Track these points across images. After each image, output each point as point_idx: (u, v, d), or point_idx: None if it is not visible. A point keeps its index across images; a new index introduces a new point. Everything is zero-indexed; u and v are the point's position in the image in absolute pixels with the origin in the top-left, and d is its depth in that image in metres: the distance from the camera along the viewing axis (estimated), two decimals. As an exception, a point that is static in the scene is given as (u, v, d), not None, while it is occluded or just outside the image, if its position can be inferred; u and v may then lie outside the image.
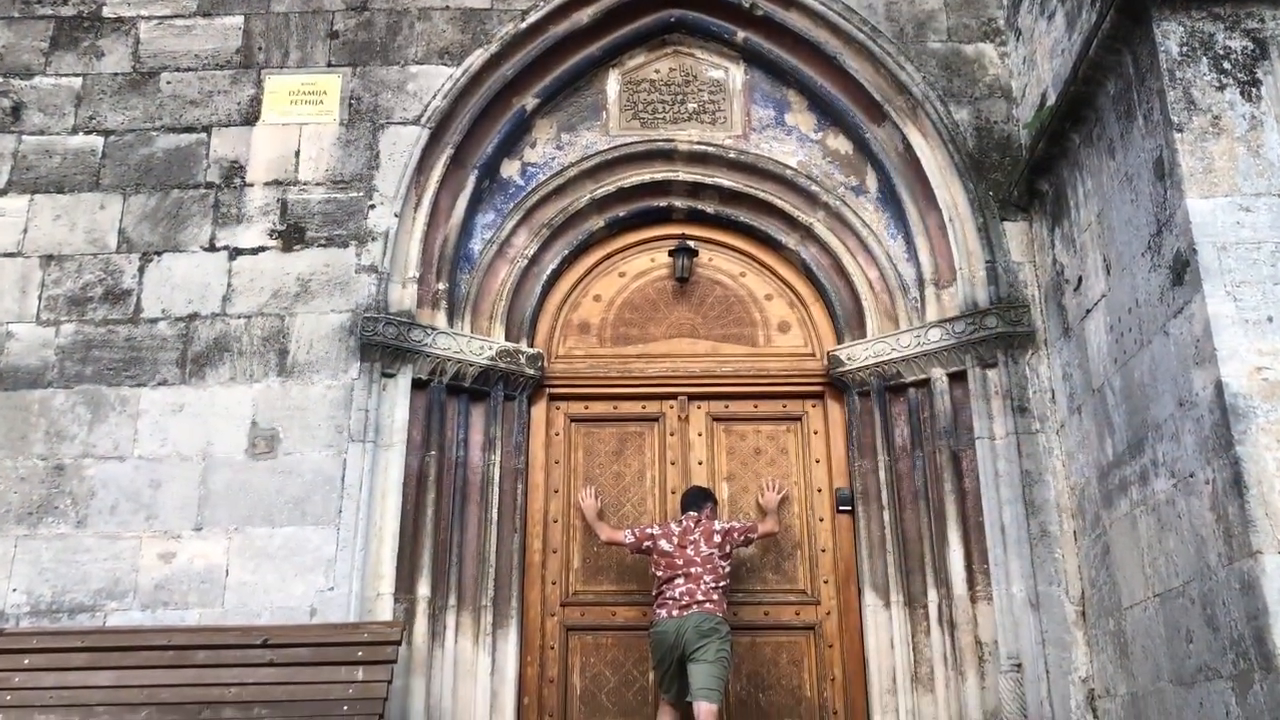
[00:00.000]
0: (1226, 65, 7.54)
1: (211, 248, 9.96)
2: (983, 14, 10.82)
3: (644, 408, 10.51)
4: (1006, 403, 9.44)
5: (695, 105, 11.00)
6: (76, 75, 10.64)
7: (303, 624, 8.72)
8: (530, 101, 10.79)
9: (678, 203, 11.01)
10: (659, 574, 9.01)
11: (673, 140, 10.84)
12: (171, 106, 10.51)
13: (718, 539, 9.03)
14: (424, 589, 9.21)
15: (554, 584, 9.96)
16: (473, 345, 9.93)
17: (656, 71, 11.15)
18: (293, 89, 10.55)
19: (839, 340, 10.51)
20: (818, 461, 10.34)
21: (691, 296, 10.85)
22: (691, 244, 10.81)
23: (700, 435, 10.42)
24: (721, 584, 8.90)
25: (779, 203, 10.77)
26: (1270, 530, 6.40)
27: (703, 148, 10.83)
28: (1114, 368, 8.25)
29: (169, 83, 10.61)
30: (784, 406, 10.54)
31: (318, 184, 10.19)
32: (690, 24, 11.17)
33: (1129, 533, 8.03)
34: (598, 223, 10.91)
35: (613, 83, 11.10)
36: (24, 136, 10.40)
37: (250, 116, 10.47)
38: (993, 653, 9.00)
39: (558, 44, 10.84)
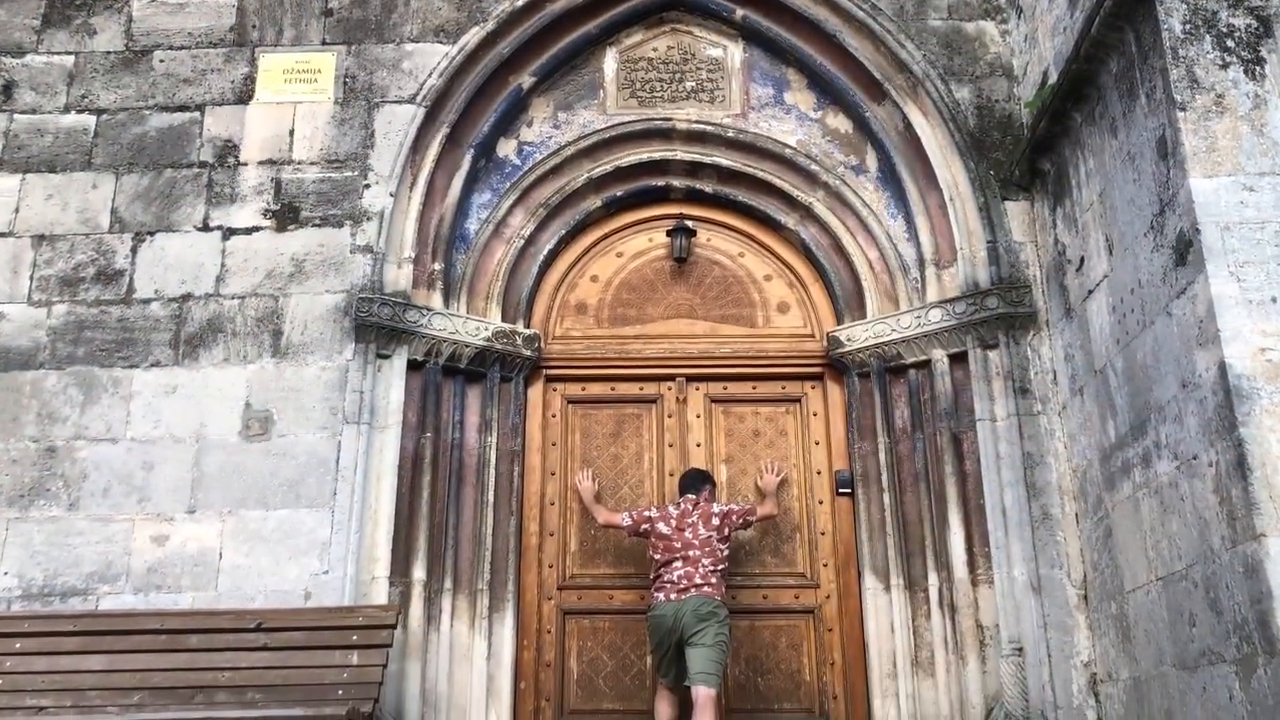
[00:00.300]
0: (1230, 43, 7.49)
1: (205, 227, 9.89)
2: (984, -10, 10.73)
3: (642, 389, 10.47)
4: (1008, 384, 9.39)
5: (693, 84, 10.92)
6: (68, 53, 10.57)
7: (297, 607, 8.66)
8: (527, 80, 10.72)
9: (676, 182, 10.94)
10: (657, 557, 8.96)
11: (671, 119, 10.78)
12: (164, 85, 10.44)
13: (716, 522, 8.98)
14: (419, 572, 9.17)
15: (551, 567, 9.91)
16: (469, 326, 9.87)
17: (654, 50, 11.07)
18: (287, 67, 10.47)
19: (839, 321, 10.46)
20: (817, 443, 10.29)
21: (690, 277, 10.79)
22: (690, 224, 10.77)
23: (698, 417, 10.37)
24: (720, 567, 8.85)
25: (778, 182, 10.70)
26: (1274, 513, 6.35)
27: (701, 127, 10.76)
28: (1116, 349, 8.20)
29: (162, 61, 10.53)
30: (783, 388, 10.49)
31: (312, 163, 10.12)
32: (688, 1, 11.09)
33: (1131, 515, 7.97)
34: (595, 202, 10.85)
35: (610, 61, 11.02)
36: (15, 115, 10.33)
37: (244, 95, 10.40)
38: (994, 636, 8.96)
39: (554, 21, 10.76)
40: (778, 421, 10.40)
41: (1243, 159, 7.19)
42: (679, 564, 8.79)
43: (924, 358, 9.82)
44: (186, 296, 9.64)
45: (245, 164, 10.13)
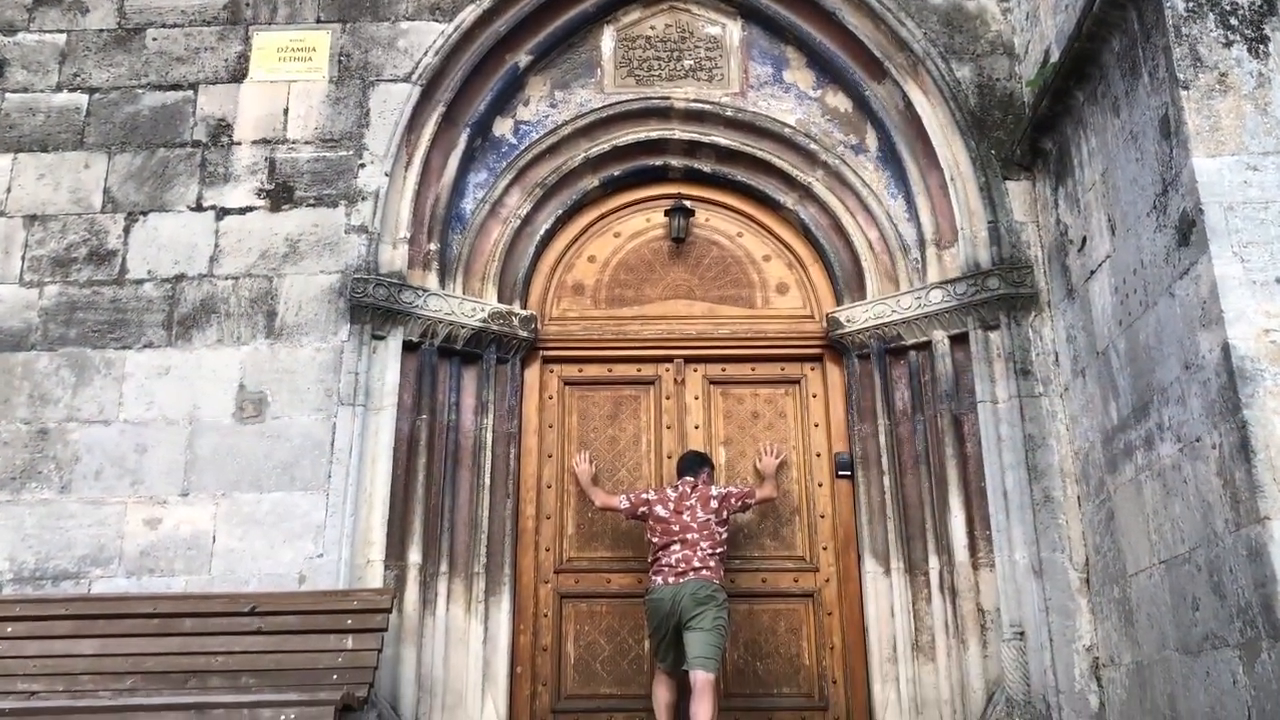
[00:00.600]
0: (1233, 21, 7.44)
1: (198, 207, 9.83)
2: (985, -32, 10.64)
3: (639, 370, 10.41)
4: (1009, 365, 9.33)
5: (692, 62, 10.85)
6: (60, 32, 10.49)
7: (291, 591, 8.61)
8: (523, 59, 10.65)
9: (674, 161, 10.88)
10: (655, 540, 8.91)
11: (669, 98, 10.71)
12: (157, 64, 10.37)
13: (714, 504, 8.93)
14: (415, 556, 9.13)
15: (547, 550, 9.87)
16: (465, 307, 9.82)
17: (652, 28, 11.00)
18: (281, 46, 10.40)
19: (838, 302, 10.39)
20: (816, 425, 10.24)
21: (688, 257, 10.73)
22: (688, 204, 10.71)
23: (697, 399, 10.32)
24: (718, 550, 8.80)
25: (777, 161, 10.64)
26: (1278, 496, 6.31)
27: (699, 105, 10.70)
28: (1119, 330, 8.14)
29: (155, 39, 10.45)
30: (782, 369, 10.43)
31: (306, 142, 10.06)
32: (687, -21, 11.01)
33: (1134, 498, 7.93)
34: (592, 182, 10.79)
35: (607, 39, 10.95)
36: (7, 94, 10.27)
37: (238, 74, 10.33)
38: (995, 620, 8.91)
39: (552, -1, 10.71)
40: (777, 403, 10.35)
41: (1246, 138, 7.15)
42: (677, 547, 8.74)
43: (924, 339, 9.77)
44: (180, 277, 9.58)
45: (239, 143, 10.06)
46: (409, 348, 9.57)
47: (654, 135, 10.77)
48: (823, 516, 9.95)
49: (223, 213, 9.80)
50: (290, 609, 8.29)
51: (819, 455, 10.14)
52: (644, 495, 9.18)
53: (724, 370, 10.41)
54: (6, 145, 10.05)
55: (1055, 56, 9.16)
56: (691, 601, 8.47)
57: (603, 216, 10.90)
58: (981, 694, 8.79)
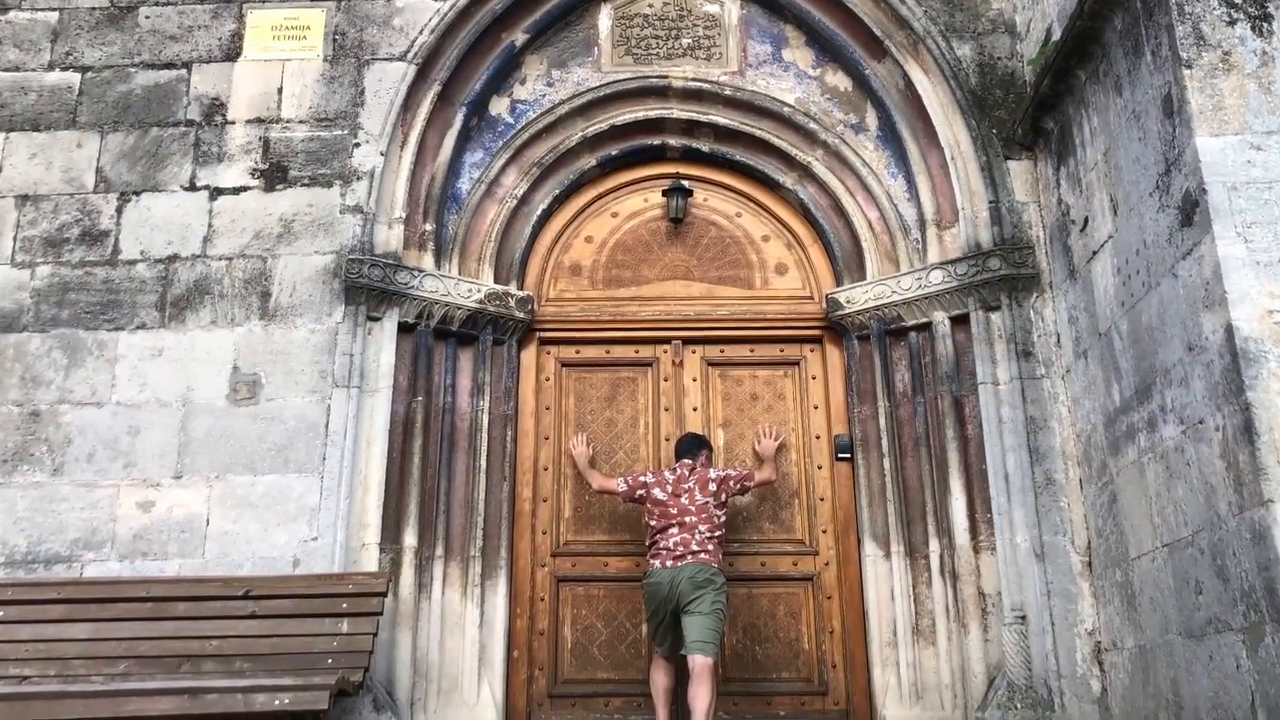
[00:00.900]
0: (1237, -1, 7.36)
1: (192, 187, 9.78)
2: (986, -55, 10.57)
3: (637, 352, 10.35)
4: (1010, 347, 9.29)
5: (690, 40, 10.77)
6: (52, 10, 10.41)
7: (286, 575, 8.59)
8: (520, 37, 10.58)
9: (672, 141, 10.81)
10: (653, 523, 8.86)
11: (667, 76, 10.63)
12: (150, 42, 10.30)
13: (713, 487, 8.88)
14: (410, 539, 9.07)
15: (544, 534, 9.82)
16: (461, 288, 9.76)
17: (650, 6, 10.92)
18: (275, 24, 10.33)
19: (838, 283, 10.34)
20: (816, 407, 10.19)
21: (686, 238, 10.67)
22: (686, 183, 10.62)
23: (695, 380, 10.27)
24: (717, 534, 8.75)
25: (776, 141, 10.58)
26: (1283, 478, 6.27)
27: (698, 84, 10.62)
28: (1121, 311, 8.10)
29: (148, 17, 10.39)
30: (781, 351, 10.37)
31: (301, 122, 10.01)
32: (684, -44, 10.95)
33: (1136, 481, 7.89)
34: (589, 161, 10.72)
35: (605, 17, 10.87)
36: (-1, 73, 10.20)
37: (232, 52, 10.26)
38: (996, 604, 8.87)
39: (548, -24, 10.67)
40: (776, 385, 10.30)
41: (1250, 117, 7.12)
42: (675, 530, 8.69)
43: (925, 320, 9.72)
44: (173, 258, 9.53)
45: (233, 123, 10.01)
46: (404, 329, 9.52)
47: (652, 114, 10.70)
48: (822, 499, 9.90)
49: (216, 193, 9.75)
50: (285, 592, 8.27)
51: (818, 437, 10.09)
52: (642, 478, 9.13)
53: (722, 352, 10.35)
54: (-2, 124, 10.02)
55: (1057, 35, 9.10)
56: (690, 585, 8.42)
57: (600, 196, 10.83)
58: (982, 678, 8.75)
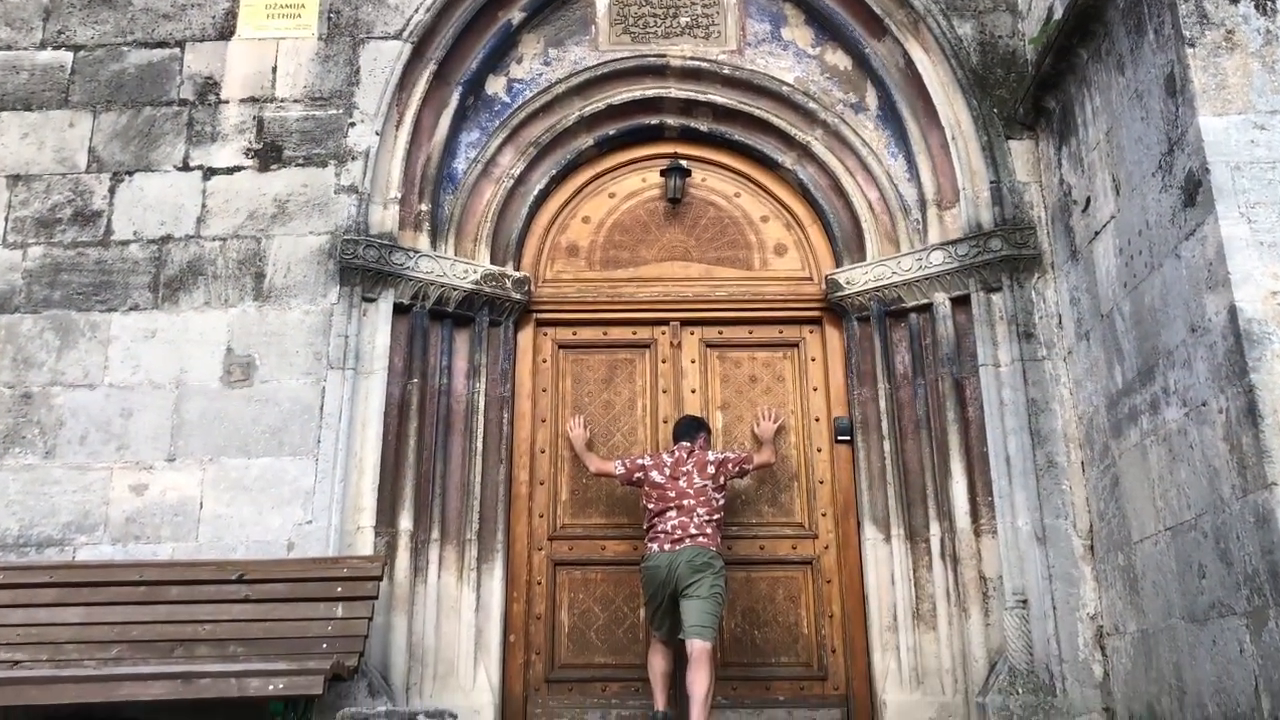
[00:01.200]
0: (1240, -23, 7.36)
1: (185, 167, 9.73)
2: (988, -78, 10.50)
3: (635, 333, 10.30)
4: (1011, 328, 9.25)
5: (688, 19, 10.71)
6: (44, -13, 10.34)
7: (280, 558, 8.55)
8: (516, 15, 10.53)
9: (670, 120, 10.75)
10: (650, 506, 8.83)
11: (665, 55, 10.57)
12: (143, 20, 10.24)
13: (711, 470, 8.86)
14: (406, 522, 9.03)
15: (541, 517, 9.78)
16: (457, 268, 9.70)
17: (648, -16, 10.84)
18: (269, 2, 10.28)
19: (837, 263, 10.28)
20: (815, 389, 10.13)
21: (684, 218, 10.61)
22: (684, 163, 10.56)
23: (693, 362, 10.22)
24: (715, 517, 8.73)
25: (775, 120, 10.52)
26: (1287, 461, 6.24)
27: (696, 63, 10.56)
28: (1123, 292, 8.06)
29: (141, -5, 10.32)
30: (780, 332, 10.32)
31: (295, 101, 9.95)
32: (682, -67, 10.89)
33: (1139, 464, 7.86)
34: (587, 141, 10.66)
35: (602, -5, 10.80)
36: (-10, 52, 10.16)
37: (225, 31, 10.20)
38: (997, 588, 8.83)
39: (546, -46, 10.61)
40: (775, 367, 10.25)
41: (1253, 97, 7.09)
42: (673, 513, 8.67)
43: (925, 301, 9.67)
44: (166, 238, 9.48)
45: (226, 102, 9.95)
46: (400, 310, 9.47)
47: (650, 94, 10.64)
48: (822, 482, 9.86)
49: (210, 173, 9.69)
50: (279, 576, 8.26)
51: (818, 420, 10.04)
52: (640, 460, 9.10)
53: (721, 333, 10.30)
54: (-11, 104, 9.97)
55: (1059, 13, 9.04)
56: (688, 569, 8.40)
57: (597, 176, 10.77)
58: (984, 663, 8.71)
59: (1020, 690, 8.38)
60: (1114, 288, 8.21)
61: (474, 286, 9.71)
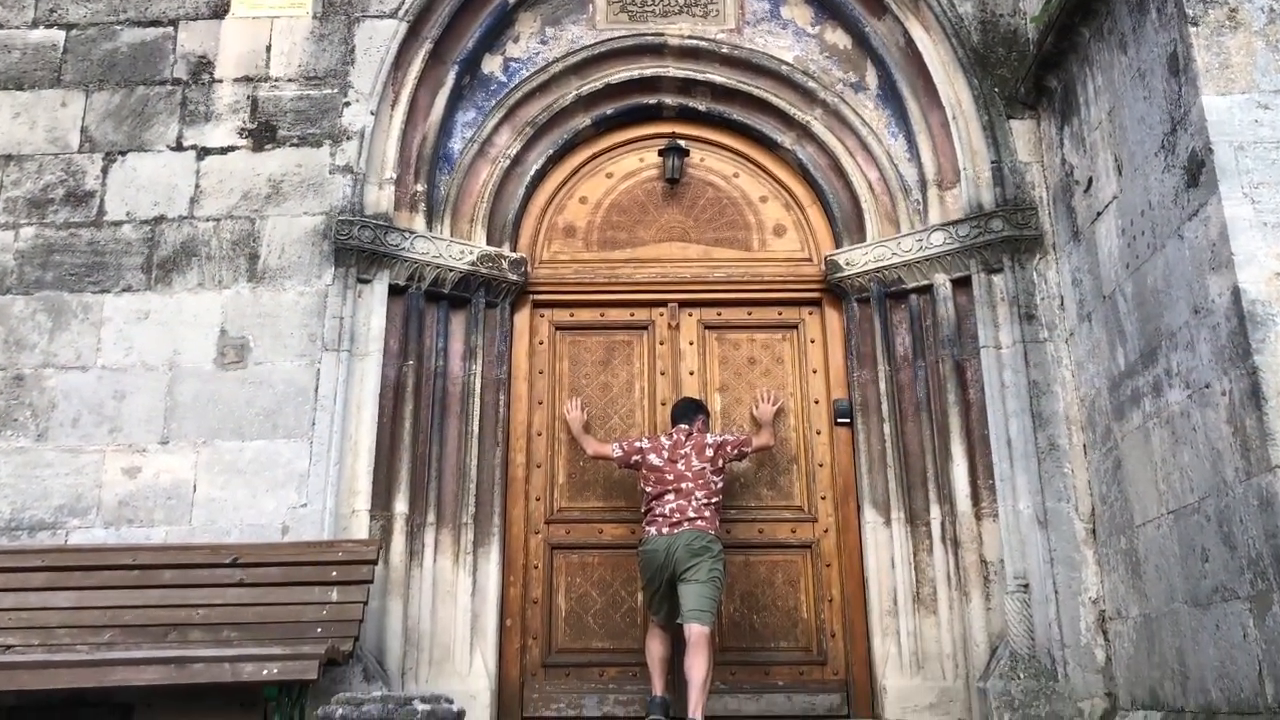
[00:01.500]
0: (1244, -46, 7.31)
1: (178, 147, 9.66)
2: (989, -101, 10.43)
3: (632, 315, 10.25)
4: (1013, 310, 9.20)
5: (687, -3, 10.64)
6: (36, -35, 10.27)
7: (274, 542, 8.52)
8: (513, -7, 10.48)
9: (668, 100, 10.69)
10: (648, 490, 8.81)
11: (663, 34, 10.50)
12: (136, -1, 10.16)
13: (710, 453, 8.83)
14: (401, 505, 8.99)
15: (538, 500, 9.74)
16: (453, 249, 9.65)
17: (646, -39, 10.77)
18: (264, -20, 10.17)
19: (837, 244, 10.24)
20: (815, 372, 10.09)
21: (682, 198, 10.55)
22: (682, 143, 10.52)
23: (691, 344, 10.17)
24: (714, 500, 8.70)
25: (774, 100, 10.46)
26: (1291, 444, 6.21)
27: (694, 42, 10.49)
28: (1126, 273, 8.02)
29: (134, -27, 10.25)
30: (779, 314, 10.28)
31: (290, 80, 9.88)
32: (681, -89, 10.82)
33: (1141, 446, 7.82)
34: (584, 121, 10.59)
35: (600, -27, 10.75)
36: (-19, 31, 10.10)
37: (219, 9, 10.12)
38: (998, 572, 8.79)
39: (542, -68, 10.55)
40: (774, 348, 10.21)
41: (1257, 76, 7.05)
42: (671, 497, 8.64)
43: (926, 282, 9.62)
44: (159, 219, 9.42)
45: (220, 81, 9.88)
46: (395, 291, 9.41)
47: (648, 73, 10.57)
48: (821, 465, 9.82)
49: (203, 153, 9.63)
50: (273, 560, 8.23)
51: (817, 402, 9.99)
52: (637, 443, 9.06)
53: (719, 314, 10.25)
54: (-20, 83, 9.92)
55: (1061, -9, 8.97)
56: (686, 553, 8.37)
57: (595, 156, 10.71)
58: (984, 647, 8.67)
59: (1022, 675, 8.34)
60: (1116, 269, 8.16)
61: (470, 268, 9.66)
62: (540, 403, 9.98)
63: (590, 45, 10.48)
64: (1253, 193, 6.72)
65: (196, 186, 9.50)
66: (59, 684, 6.85)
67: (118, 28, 10.03)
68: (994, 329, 9.23)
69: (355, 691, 7.45)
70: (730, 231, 10.46)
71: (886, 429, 9.47)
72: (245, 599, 7.99)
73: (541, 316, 10.23)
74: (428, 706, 5.73)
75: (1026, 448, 8.85)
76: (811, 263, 10.33)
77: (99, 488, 8.69)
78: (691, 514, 8.53)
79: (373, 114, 9.69)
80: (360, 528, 8.71)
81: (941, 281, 9.54)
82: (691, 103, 10.67)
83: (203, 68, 9.90)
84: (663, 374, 10.04)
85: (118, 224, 9.39)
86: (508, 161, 10.21)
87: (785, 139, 10.48)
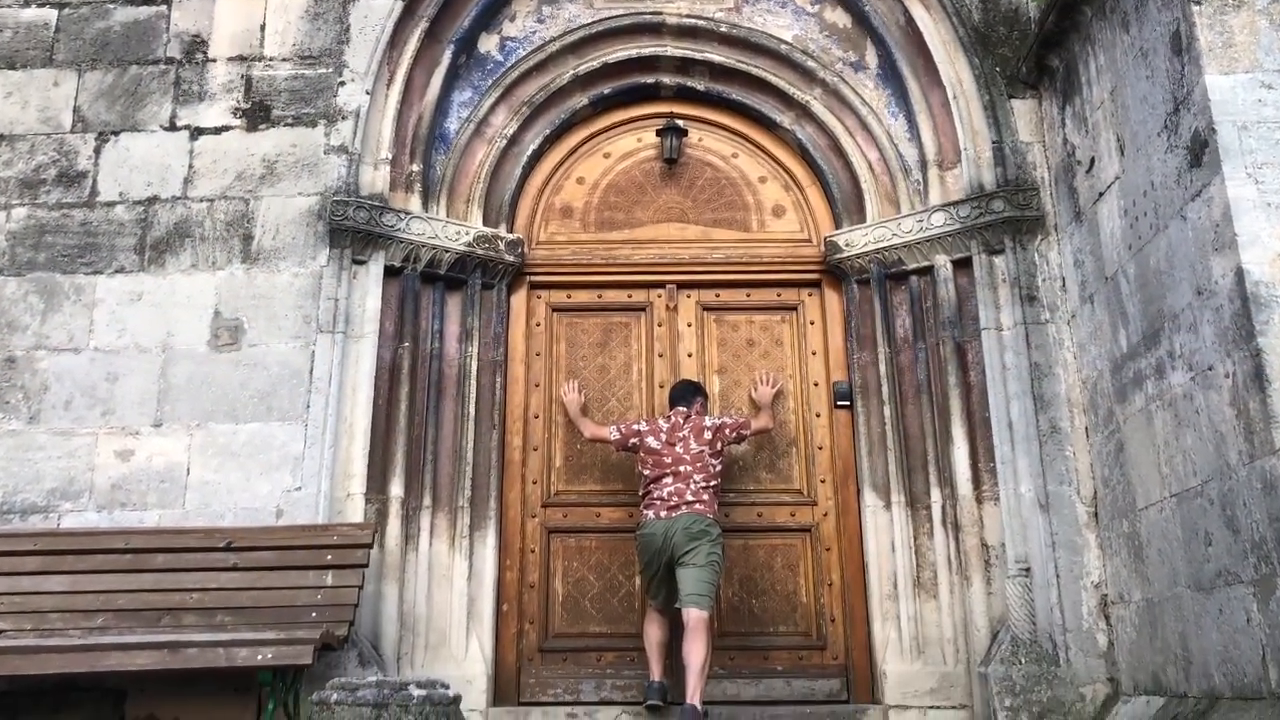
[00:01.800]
0: (1248, -69, 7.27)
1: (172, 127, 9.61)
2: (990, -124, 10.36)
3: (630, 296, 10.20)
4: (1014, 291, 9.15)
5: (685, -26, 10.57)
6: (28, -57, 10.21)
7: (268, 525, 8.48)
8: (510, -29, 10.43)
9: (666, 79, 10.63)
10: (646, 473, 8.78)
11: (660, 13, 10.43)
12: (129, -24, 10.10)
13: (708, 436, 8.79)
14: (397, 489, 8.95)
15: (535, 484, 9.69)
16: (448, 230, 9.59)
17: (644, -61, 10.69)
18: (257, -42, 10.12)
19: (837, 225, 10.18)
20: (814, 353, 10.04)
21: (680, 179, 10.49)
22: (680, 123, 10.46)
23: (690, 326, 10.12)
24: (712, 483, 8.67)
25: (773, 79, 10.40)
26: (1294, 427, 6.19)
27: (692, 21, 10.43)
28: (1128, 254, 7.97)
29: (126, -50, 10.18)
30: (778, 295, 10.23)
31: (284, 60, 9.82)
32: (679, -112, 10.75)
33: (1144, 429, 7.78)
34: (581, 100, 10.54)
35: (597, -49, 10.69)
36: (-28, 10, 10.03)
37: (213, -13, 10.05)
38: (999, 556, 8.75)
39: (538, -90, 10.48)
40: (773, 330, 10.16)
41: (1261, 55, 7.02)
42: (669, 480, 8.61)
43: (926, 263, 9.57)
44: (152, 199, 9.37)
45: (214, 60, 9.82)
46: (391, 273, 9.36)
47: (645, 52, 10.51)
48: (821, 448, 9.78)
49: (197, 132, 9.58)
50: (267, 544, 8.20)
51: (817, 384, 9.95)
52: (635, 426, 9.03)
53: (718, 296, 10.20)
54: (-28, 63, 9.85)
55: (1063, -31, 8.92)
56: (684, 536, 8.34)
57: (592, 136, 10.65)
58: (985, 632, 8.64)
59: (1023, 660, 8.31)
60: (1118, 250, 8.11)
61: (466, 249, 9.60)
62: (537, 385, 9.93)
63: (587, 24, 10.40)
64: (1256, 173, 6.68)
65: (190, 167, 9.44)
66: (51, 669, 6.83)
67: (110, 6, 9.96)
68: (995, 310, 9.18)
69: (350, 676, 7.43)
70: (729, 212, 10.40)
71: (886, 411, 9.42)
72: (239, 583, 7.94)
73: (538, 298, 10.17)
74: (423, 691, 5.71)
75: (1028, 430, 8.80)
76: (811, 244, 10.27)
77: (92, 471, 8.65)
78: (690, 497, 8.49)
79: (368, 94, 9.63)
80: (355, 511, 8.66)
81: (942, 263, 9.49)
82: (690, 82, 10.61)
83: (196, 47, 9.84)
84: (661, 356, 9.99)
85: (110, 204, 9.33)
86: (504, 141, 10.15)
87: (784, 119, 10.42)
